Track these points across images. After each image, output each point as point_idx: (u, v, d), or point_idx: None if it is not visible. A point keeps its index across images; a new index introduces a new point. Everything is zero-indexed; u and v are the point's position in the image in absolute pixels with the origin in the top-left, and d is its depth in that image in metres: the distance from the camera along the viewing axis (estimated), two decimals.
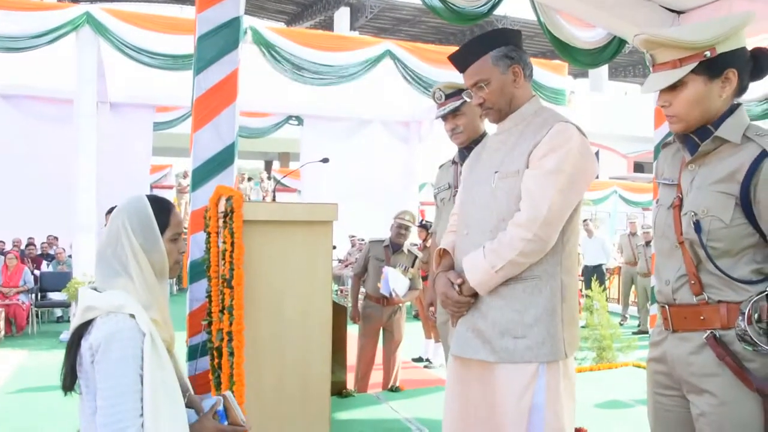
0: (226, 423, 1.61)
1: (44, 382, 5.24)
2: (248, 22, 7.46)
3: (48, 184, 10.57)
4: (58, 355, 2.17)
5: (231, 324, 2.80)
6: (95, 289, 1.54)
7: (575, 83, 21.96)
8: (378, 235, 5.46)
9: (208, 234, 3.43)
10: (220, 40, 3.86)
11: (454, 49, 2.03)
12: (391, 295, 4.82)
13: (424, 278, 5.58)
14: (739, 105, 1.61)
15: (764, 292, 1.50)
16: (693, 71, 1.54)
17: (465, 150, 2.82)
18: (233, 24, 3.90)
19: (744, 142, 1.55)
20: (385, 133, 13.35)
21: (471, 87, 1.97)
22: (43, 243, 10.84)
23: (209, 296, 3.44)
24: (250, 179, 16.86)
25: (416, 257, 5.06)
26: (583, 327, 5.65)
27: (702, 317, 1.56)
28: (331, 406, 3.32)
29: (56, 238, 10.81)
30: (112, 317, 1.45)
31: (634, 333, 8.06)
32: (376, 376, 5.06)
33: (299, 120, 13.07)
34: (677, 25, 4.32)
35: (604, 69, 24.40)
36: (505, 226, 1.82)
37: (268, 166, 24.35)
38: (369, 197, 12.44)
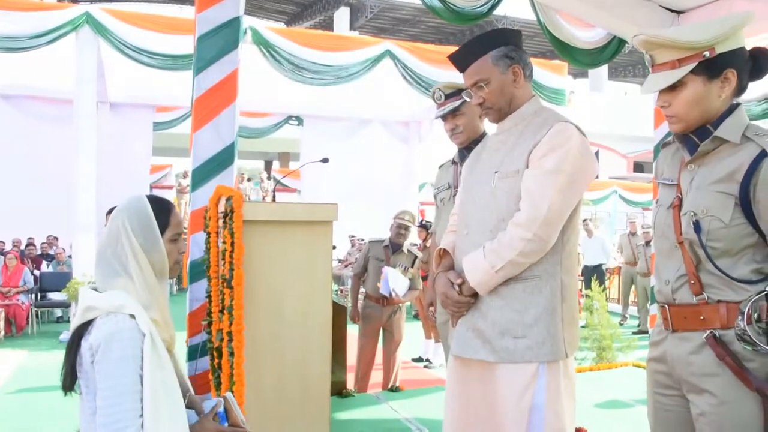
0: (226, 425, 1.61)
1: (44, 382, 5.24)
2: (248, 22, 7.47)
3: (48, 184, 10.58)
4: (58, 356, 2.18)
5: (231, 324, 2.80)
6: (95, 289, 1.55)
7: (575, 83, 21.98)
8: (378, 235, 5.46)
9: (208, 234, 3.43)
10: (220, 40, 3.86)
11: (454, 49, 2.03)
12: (390, 295, 4.82)
13: (424, 278, 5.58)
14: (738, 105, 1.61)
15: (764, 291, 1.50)
16: (692, 71, 1.55)
17: (465, 150, 2.82)
18: (233, 24, 3.90)
19: (743, 142, 1.55)
20: (385, 133, 13.36)
21: (471, 87, 1.97)
22: (43, 243, 10.84)
23: (209, 296, 3.44)
24: (249, 179, 16.86)
25: (416, 257, 5.06)
26: (583, 327, 5.65)
27: (702, 317, 1.56)
28: (331, 406, 3.32)
29: (56, 238, 10.82)
30: (112, 317, 1.45)
31: (634, 333, 8.07)
32: (376, 376, 5.06)
33: (299, 120, 13.08)
34: (677, 25, 4.32)
35: (604, 69, 24.41)
36: (505, 226, 1.82)
37: (267, 166, 24.34)
38: (369, 197, 12.45)
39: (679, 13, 4.44)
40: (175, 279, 9.69)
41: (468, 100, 2.48)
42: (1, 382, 5.51)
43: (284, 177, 14.40)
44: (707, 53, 1.52)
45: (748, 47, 1.59)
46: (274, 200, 4.77)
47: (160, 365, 1.45)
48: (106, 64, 8.83)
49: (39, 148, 10.84)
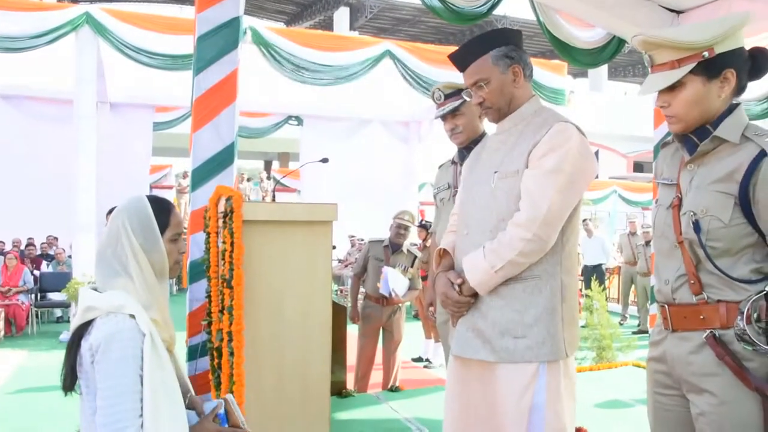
0: (226, 426, 1.61)
1: (44, 383, 5.24)
2: (248, 22, 7.47)
3: (48, 184, 10.57)
4: (58, 356, 2.18)
5: (231, 324, 2.80)
6: (95, 290, 1.55)
7: (575, 83, 21.96)
8: (378, 235, 5.46)
9: (208, 234, 3.43)
10: (220, 40, 3.87)
11: (454, 49, 2.03)
12: (390, 295, 4.82)
13: (424, 278, 5.58)
14: (737, 105, 1.62)
15: (763, 291, 1.50)
16: (691, 72, 1.55)
17: (464, 150, 2.83)
18: (233, 24, 3.90)
19: (743, 142, 1.55)
20: (385, 133, 13.35)
21: (471, 86, 1.97)
22: (42, 243, 10.83)
23: (209, 296, 3.44)
24: (249, 179, 16.85)
25: (416, 257, 5.06)
26: (583, 327, 5.65)
27: (701, 317, 1.57)
28: (331, 406, 3.32)
29: (56, 239, 10.82)
30: (112, 317, 1.45)
31: (633, 333, 8.07)
32: (376, 376, 5.06)
33: (299, 120, 13.07)
34: (676, 25, 4.32)
35: (604, 69, 24.40)
36: (505, 226, 1.82)
37: (267, 166, 24.33)
38: (369, 197, 12.44)
39: (678, 13, 4.45)
40: (175, 279, 9.69)
41: (468, 100, 2.48)
42: (1, 382, 5.52)
43: (284, 177, 14.39)
44: (706, 53, 1.52)
45: (748, 47, 1.59)
46: (273, 200, 4.77)
47: (160, 365, 1.46)
48: (105, 64, 8.83)
49: (39, 148, 10.83)
